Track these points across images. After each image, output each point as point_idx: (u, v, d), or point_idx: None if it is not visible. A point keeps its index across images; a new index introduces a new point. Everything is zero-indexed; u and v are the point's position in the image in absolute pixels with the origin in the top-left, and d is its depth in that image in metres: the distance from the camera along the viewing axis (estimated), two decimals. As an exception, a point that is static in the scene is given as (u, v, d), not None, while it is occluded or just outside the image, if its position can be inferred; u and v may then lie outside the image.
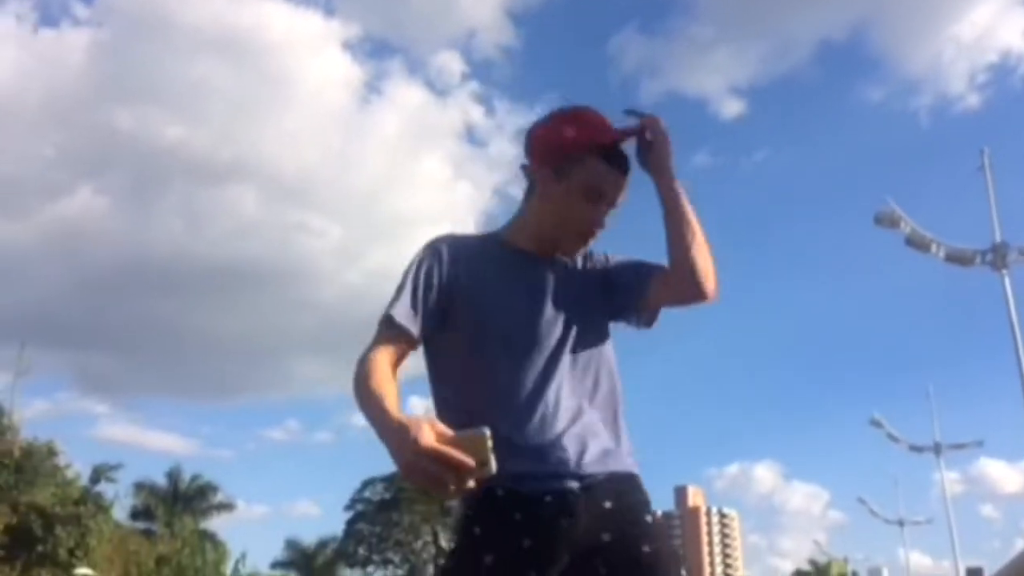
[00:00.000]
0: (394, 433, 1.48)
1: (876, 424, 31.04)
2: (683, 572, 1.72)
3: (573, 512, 1.69)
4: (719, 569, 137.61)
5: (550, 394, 1.77)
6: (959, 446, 30.62)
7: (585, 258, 1.96)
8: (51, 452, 26.63)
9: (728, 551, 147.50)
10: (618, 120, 1.91)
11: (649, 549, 1.71)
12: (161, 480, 36.49)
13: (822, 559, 63.94)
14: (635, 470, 1.82)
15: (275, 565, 40.04)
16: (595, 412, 1.81)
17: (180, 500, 36.13)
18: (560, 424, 1.75)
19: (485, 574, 1.67)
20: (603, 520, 1.71)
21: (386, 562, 42.71)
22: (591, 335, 1.87)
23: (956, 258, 17.83)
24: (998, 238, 17.33)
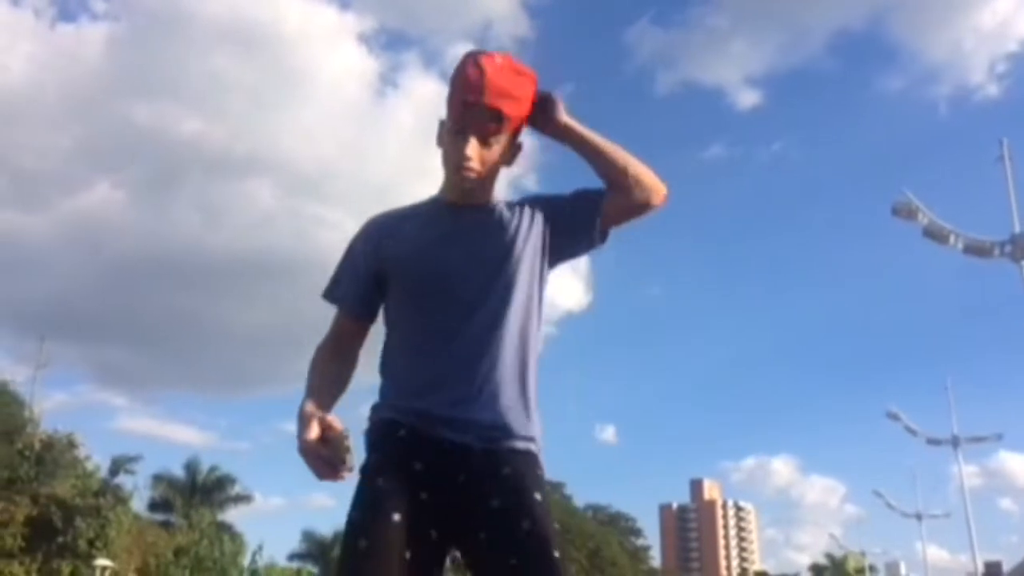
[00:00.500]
0: (297, 422, 1.72)
1: (893, 417, 30.91)
2: (556, 554, 1.70)
3: (471, 469, 1.76)
4: (735, 562, 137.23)
5: (471, 342, 1.84)
6: (977, 439, 30.41)
7: (523, 203, 2.02)
8: (71, 444, 26.80)
9: (744, 544, 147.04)
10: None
11: (528, 527, 1.72)
12: (179, 472, 36.76)
13: (839, 553, 63.76)
14: (537, 435, 1.88)
15: (292, 557, 40.22)
16: (505, 363, 1.86)
17: (198, 492, 36.31)
18: (479, 375, 1.82)
19: (376, 497, 1.74)
20: (497, 485, 1.76)
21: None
22: (511, 280, 1.91)
23: (974, 249, 17.65)
24: (1017, 229, 17.15)
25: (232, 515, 37.02)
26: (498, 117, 1.88)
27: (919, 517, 40.10)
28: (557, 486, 48.48)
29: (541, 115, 1.98)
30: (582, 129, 1.98)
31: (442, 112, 1.96)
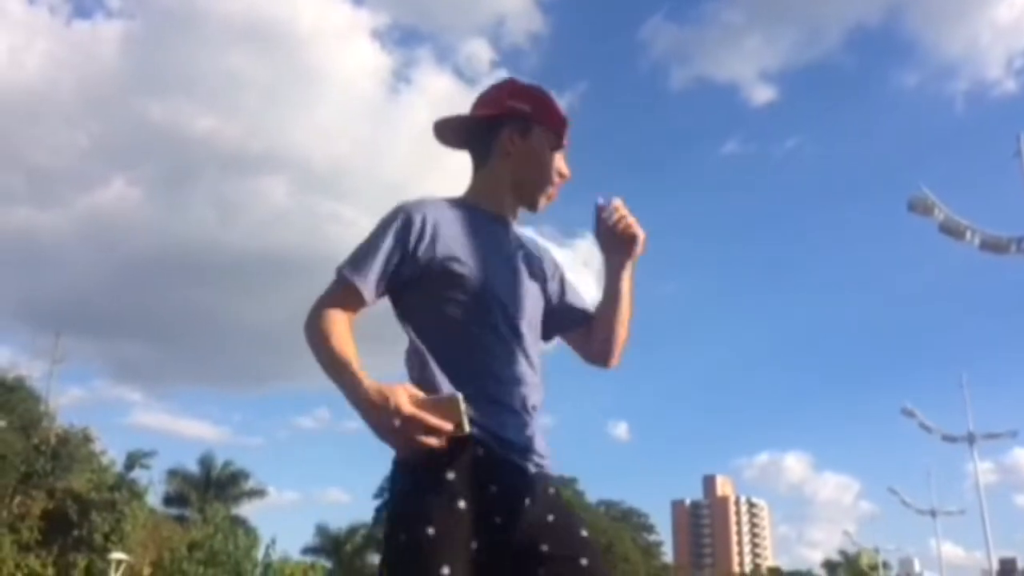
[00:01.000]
0: (373, 401, 1.60)
1: (908, 414, 30.77)
2: None
3: (535, 494, 1.76)
4: (748, 559, 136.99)
5: (524, 365, 1.84)
6: (993, 436, 30.31)
7: (537, 243, 2.05)
8: (87, 439, 26.98)
9: (757, 541, 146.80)
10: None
11: (587, 534, 1.80)
12: (194, 467, 37.03)
13: (852, 549, 63.53)
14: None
15: (306, 551, 40.35)
16: (543, 389, 1.89)
17: (212, 487, 36.54)
18: (531, 399, 1.83)
19: (457, 519, 1.66)
20: (547, 502, 1.78)
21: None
22: (540, 306, 1.97)
23: (991, 245, 17.56)
24: (1034, 225, 17.04)
25: (246, 509, 37.28)
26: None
27: (933, 514, 39.93)
28: (570, 482, 48.47)
29: (619, 243, 1.94)
30: (630, 279, 1.99)
31: (462, 109, 1.96)
